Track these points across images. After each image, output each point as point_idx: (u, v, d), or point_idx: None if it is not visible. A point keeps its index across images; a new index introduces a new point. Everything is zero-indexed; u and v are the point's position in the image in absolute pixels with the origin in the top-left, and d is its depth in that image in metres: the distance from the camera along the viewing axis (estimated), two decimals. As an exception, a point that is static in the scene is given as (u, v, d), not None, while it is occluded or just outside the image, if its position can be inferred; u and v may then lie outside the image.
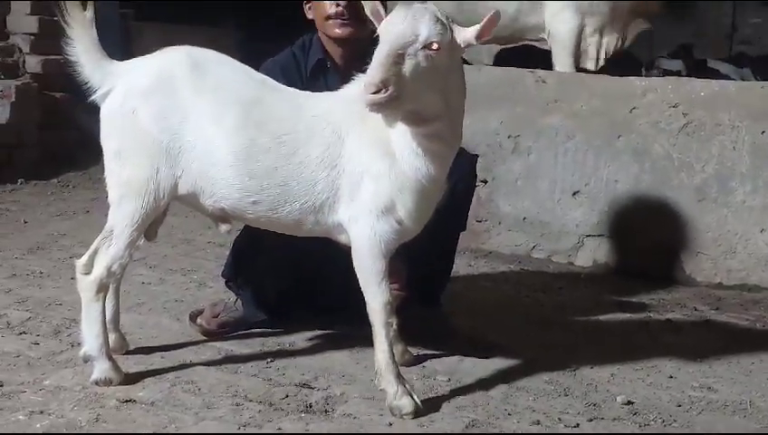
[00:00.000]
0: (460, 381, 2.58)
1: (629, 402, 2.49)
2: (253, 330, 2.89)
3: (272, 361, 2.64)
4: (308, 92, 2.53)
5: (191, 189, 2.40)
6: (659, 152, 3.96)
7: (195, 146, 2.37)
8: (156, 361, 2.61)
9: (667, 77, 4.81)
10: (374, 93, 2.11)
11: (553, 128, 4.12)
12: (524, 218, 4.18)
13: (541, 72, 4.36)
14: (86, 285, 2.42)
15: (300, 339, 2.85)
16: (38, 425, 2.13)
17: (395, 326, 2.50)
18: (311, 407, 2.35)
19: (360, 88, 2.31)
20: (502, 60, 6.04)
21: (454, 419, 2.33)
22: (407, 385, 2.37)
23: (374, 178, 2.34)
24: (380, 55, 2.15)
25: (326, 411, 2.33)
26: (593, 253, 4.06)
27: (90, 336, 2.42)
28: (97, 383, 2.37)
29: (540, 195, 4.15)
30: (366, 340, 2.63)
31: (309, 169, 2.37)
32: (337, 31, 2.82)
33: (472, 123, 4.22)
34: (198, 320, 2.86)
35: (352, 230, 2.38)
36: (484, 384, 2.57)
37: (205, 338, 2.81)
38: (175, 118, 2.37)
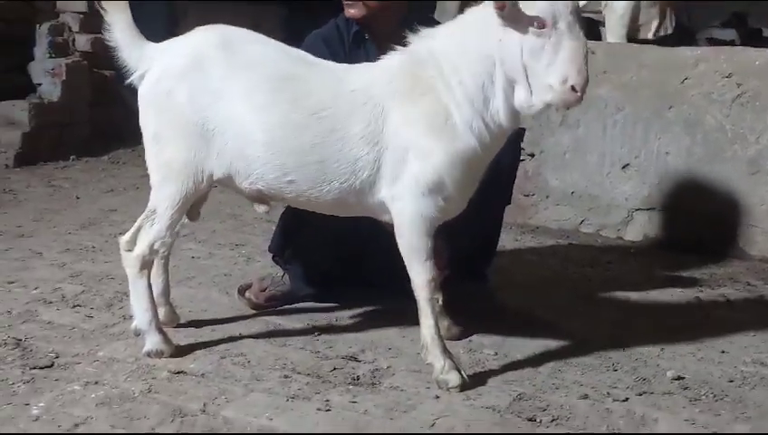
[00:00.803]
0: (507, 356, 2.57)
1: (680, 377, 2.46)
2: (300, 304, 2.92)
3: (319, 334, 2.67)
4: (347, 66, 2.49)
5: (228, 171, 2.39)
6: (712, 124, 3.86)
7: (229, 126, 2.35)
8: (206, 333, 2.65)
9: (719, 47, 4.69)
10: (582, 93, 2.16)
11: (602, 99, 4.05)
12: (572, 192, 4.13)
13: (589, 43, 4.26)
14: (130, 261, 2.46)
15: (347, 313, 2.86)
16: (92, 395, 2.18)
17: (440, 302, 2.49)
18: (358, 379, 2.36)
19: (398, 60, 2.34)
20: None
21: (501, 392, 2.32)
22: (453, 359, 2.37)
23: (421, 154, 2.30)
24: (583, 56, 2.16)
25: (373, 384, 2.34)
26: (643, 227, 4.00)
27: (139, 310, 2.46)
28: (149, 355, 2.42)
29: (588, 168, 4.09)
30: (412, 315, 2.64)
31: (349, 145, 2.32)
32: (350, 11, 2.80)
33: (519, 96, 4.20)
34: (247, 294, 2.89)
35: (395, 208, 2.35)
36: (532, 359, 2.56)
37: (253, 312, 2.84)
38: (208, 98, 2.35)
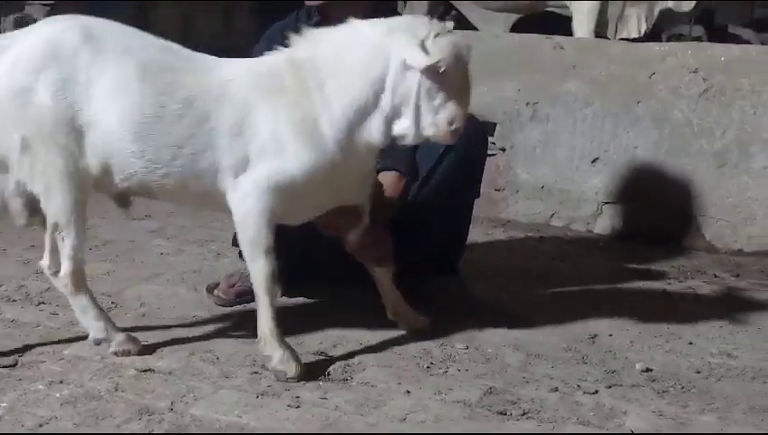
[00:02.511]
0: (478, 349, 2.57)
1: (648, 369, 2.48)
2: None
3: (288, 330, 2.64)
4: (222, 58, 2.43)
5: (102, 169, 2.29)
6: (679, 118, 3.89)
7: (100, 121, 2.24)
8: (174, 331, 2.62)
9: (687, 42, 4.73)
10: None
11: (572, 94, 4.06)
12: (543, 186, 4.14)
13: (558, 39, 4.29)
14: (62, 282, 2.40)
15: (315, 308, 2.85)
16: (57, 394, 2.15)
17: (279, 294, 2.44)
18: (328, 375, 2.35)
19: (277, 59, 2.33)
20: (517, 29, 5.98)
21: (471, 386, 2.32)
22: (292, 350, 2.35)
23: (281, 155, 2.26)
24: (469, 98, 2.27)
25: (344, 380, 2.33)
26: (612, 220, 4.02)
27: (90, 323, 2.41)
28: (116, 355, 2.39)
29: (558, 162, 4.10)
30: (381, 308, 2.64)
31: (218, 136, 2.26)
32: (308, 1, 2.78)
33: (489, 91, 4.19)
34: (215, 292, 2.87)
35: (236, 200, 2.30)
36: (502, 352, 2.56)
37: (222, 309, 2.82)
38: (75, 92, 2.22)
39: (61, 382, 2.22)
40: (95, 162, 2.27)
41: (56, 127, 2.22)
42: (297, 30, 2.79)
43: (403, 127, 2.27)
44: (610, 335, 2.72)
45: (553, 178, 4.12)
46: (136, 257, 3.32)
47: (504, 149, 4.18)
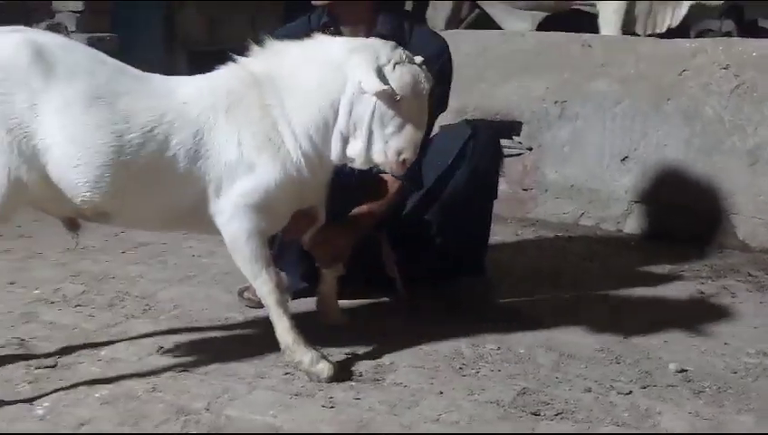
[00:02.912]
0: (510, 350, 2.57)
1: (683, 370, 2.46)
2: (299, 300, 2.91)
3: (315, 333, 2.66)
4: (180, 78, 2.38)
5: (47, 193, 2.17)
6: (710, 115, 3.86)
7: (51, 145, 2.11)
8: (207, 332, 2.65)
9: (717, 38, 4.69)
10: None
11: (601, 93, 4.05)
12: (572, 186, 4.12)
13: (586, 37, 4.29)
14: None
15: (346, 309, 2.86)
16: (96, 395, 2.19)
17: (289, 301, 2.46)
18: (361, 376, 2.36)
19: (237, 75, 2.29)
20: (543, 27, 5.96)
21: (504, 386, 2.32)
22: (319, 351, 2.35)
23: (251, 173, 2.24)
24: (420, 135, 2.24)
25: (376, 380, 2.34)
26: (643, 219, 4.00)
27: None
28: None
29: (587, 161, 4.09)
30: (412, 310, 2.65)
31: (181, 161, 2.20)
32: (313, 1, 2.79)
33: (516, 90, 4.20)
34: (245, 294, 2.89)
35: (221, 222, 2.28)
36: (535, 353, 2.56)
37: (254, 310, 2.84)
38: (24, 115, 2.09)
39: (99, 383, 2.25)
40: (41, 186, 2.15)
41: None
42: (308, 32, 2.81)
43: (355, 149, 2.26)
44: (644, 335, 2.71)
45: (583, 178, 4.10)
46: (169, 260, 3.36)
47: (531, 149, 4.18)
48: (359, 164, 2.29)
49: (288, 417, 2.11)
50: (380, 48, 2.25)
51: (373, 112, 2.21)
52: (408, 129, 2.22)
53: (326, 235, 2.57)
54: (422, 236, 2.90)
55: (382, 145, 2.22)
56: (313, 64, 2.29)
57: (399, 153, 2.22)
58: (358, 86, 2.21)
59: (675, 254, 3.66)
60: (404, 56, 2.24)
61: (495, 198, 3.02)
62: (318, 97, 2.26)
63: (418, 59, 2.27)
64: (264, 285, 2.33)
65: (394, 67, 2.20)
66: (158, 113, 2.20)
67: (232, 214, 2.27)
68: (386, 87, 2.17)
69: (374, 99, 2.20)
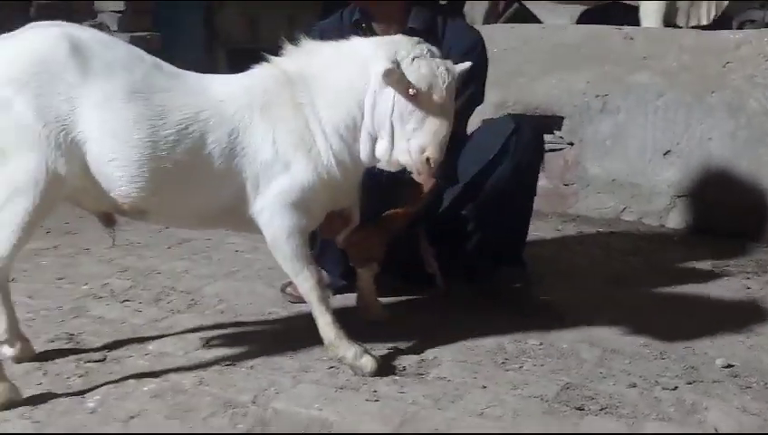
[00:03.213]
0: (552, 345, 2.57)
1: (729, 365, 2.43)
2: (340, 296, 2.93)
3: (358, 328, 2.67)
4: (213, 75, 2.38)
5: (84, 186, 2.19)
6: (755, 108, 3.80)
7: (87, 139, 2.13)
8: (252, 326, 2.68)
9: (762, 29, 4.61)
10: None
11: (643, 86, 4.00)
12: (614, 180, 4.09)
13: (628, 29, 4.24)
14: None
15: (387, 304, 2.87)
16: (145, 388, 2.23)
17: (330, 297, 2.48)
18: (404, 370, 2.38)
19: (270, 74, 2.30)
20: (583, 20, 5.91)
21: (548, 381, 2.32)
22: (362, 346, 2.36)
23: (287, 171, 2.26)
24: (444, 137, 2.20)
25: (419, 374, 2.35)
26: (686, 214, 3.95)
27: None
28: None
29: (629, 155, 4.05)
30: (453, 305, 2.65)
31: (218, 158, 2.22)
32: None
33: (557, 84, 4.17)
34: (288, 289, 2.92)
35: (263, 220, 2.29)
36: (578, 348, 2.55)
37: (298, 305, 2.86)
38: (62, 108, 2.11)
39: (148, 377, 2.29)
40: (77, 179, 2.17)
41: (32, 138, 2.10)
42: (341, 28, 2.82)
43: (381, 149, 2.26)
44: (689, 331, 2.68)
45: (625, 172, 4.07)
46: (213, 255, 3.41)
47: (572, 144, 4.15)
48: (386, 164, 2.29)
49: (333, 410, 2.13)
50: (403, 42, 2.25)
51: (393, 107, 2.21)
52: (430, 124, 2.20)
53: (360, 235, 2.59)
54: (460, 232, 2.89)
55: (405, 144, 2.22)
56: (343, 63, 2.30)
57: (423, 151, 2.20)
58: (378, 80, 2.21)
59: (719, 249, 3.62)
60: (425, 50, 2.23)
61: (534, 193, 3.01)
62: (347, 96, 2.27)
63: (447, 62, 2.25)
64: (305, 282, 2.35)
65: (412, 60, 2.20)
66: (193, 111, 2.22)
67: (272, 213, 2.29)
68: (390, 66, 2.16)
69: (393, 93, 2.20)
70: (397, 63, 2.18)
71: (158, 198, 2.25)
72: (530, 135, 2.79)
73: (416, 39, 2.29)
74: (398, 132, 2.22)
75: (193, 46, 5.99)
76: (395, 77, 2.17)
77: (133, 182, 2.19)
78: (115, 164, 2.17)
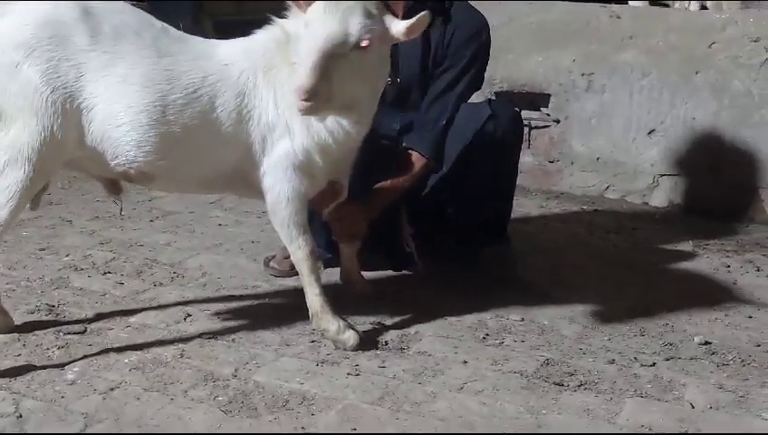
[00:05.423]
0: (533, 322, 2.58)
1: (707, 342, 2.46)
2: (326, 270, 2.93)
3: (343, 302, 2.68)
4: (217, 40, 2.38)
5: (89, 153, 2.20)
6: (739, 88, 3.81)
7: (95, 104, 2.14)
8: (235, 300, 2.68)
9: (747, 10, 4.61)
10: (306, 100, 2.05)
11: (628, 64, 4.00)
12: (598, 158, 4.10)
13: (614, 8, 4.23)
14: None
15: (370, 279, 2.88)
16: (126, 360, 2.23)
17: (321, 269, 2.48)
18: (386, 344, 2.39)
19: (270, 35, 2.26)
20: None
21: (528, 357, 2.34)
22: (345, 320, 2.37)
23: (288, 134, 2.25)
24: (311, 59, 2.05)
25: (401, 349, 2.37)
26: (669, 193, 3.97)
27: None
28: None
29: (614, 134, 4.06)
30: (436, 280, 2.66)
31: (226, 122, 2.23)
32: None
33: (543, 62, 4.16)
34: (271, 263, 2.92)
35: (267, 184, 2.30)
36: (558, 324, 2.57)
37: (280, 279, 2.87)
38: (69, 73, 2.11)
39: (129, 348, 2.29)
40: (82, 145, 2.17)
41: (39, 103, 2.09)
42: None
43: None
44: (668, 308, 2.71)
45: (609, 150, 4.08)
46: (196, 228, 3.40)
47: (558, 121, 4.15)
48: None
49: (315, 383, 2.14)
50: None
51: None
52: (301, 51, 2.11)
53: (344, 211, 2.59)
54: (441, 214, 2.92)
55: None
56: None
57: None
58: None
59: (700, 228, 3.64)
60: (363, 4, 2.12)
61: (516, 174, 3.01)
62: None
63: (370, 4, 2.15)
64: (298, 250, 2.35)
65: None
66: (200, 75, 2.22)
67: (274, 177, 2.29)
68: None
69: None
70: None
71: (166, 163, 2.25)
72: (507, 119, 2.79)
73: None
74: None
75: (179, 17, 5.91)
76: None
77: (141, 147, 2.19)
78: (123, 129, 2.17)
